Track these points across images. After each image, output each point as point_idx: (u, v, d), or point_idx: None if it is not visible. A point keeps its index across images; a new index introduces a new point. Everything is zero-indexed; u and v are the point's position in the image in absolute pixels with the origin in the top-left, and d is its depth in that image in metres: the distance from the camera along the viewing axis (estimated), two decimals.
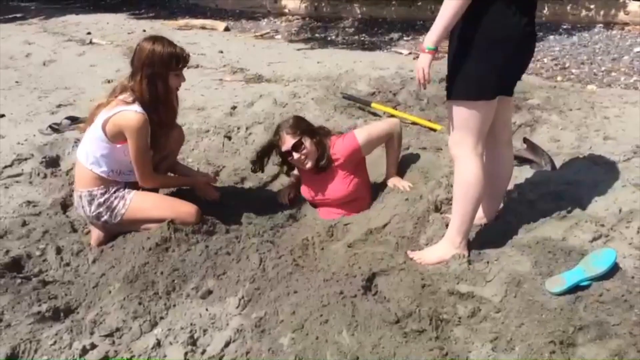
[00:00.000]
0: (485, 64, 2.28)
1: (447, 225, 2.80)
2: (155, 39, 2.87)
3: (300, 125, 3.25)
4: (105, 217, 2.92)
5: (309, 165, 3.21)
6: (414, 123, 4.37)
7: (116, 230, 2.97)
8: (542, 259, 2.44)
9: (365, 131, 3.36)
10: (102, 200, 2.91)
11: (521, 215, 2.83)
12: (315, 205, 3.45)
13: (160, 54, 2.82)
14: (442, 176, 3.27)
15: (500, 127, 2.58)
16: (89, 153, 2.89)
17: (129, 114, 2.78)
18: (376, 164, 3.55)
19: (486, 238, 2.69)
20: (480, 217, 2.78)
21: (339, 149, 3.25)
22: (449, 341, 2.12)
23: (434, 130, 4.15)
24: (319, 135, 3.28)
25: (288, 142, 3.18)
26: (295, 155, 3.18)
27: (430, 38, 2.28)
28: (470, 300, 2.30)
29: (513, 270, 2.40)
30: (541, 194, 3.00)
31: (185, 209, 2.92)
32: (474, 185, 2.43)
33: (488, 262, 2.49)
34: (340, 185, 3.26)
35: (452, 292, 2.35)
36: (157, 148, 3.00)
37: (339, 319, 2.17)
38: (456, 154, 2.47)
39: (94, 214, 2.91)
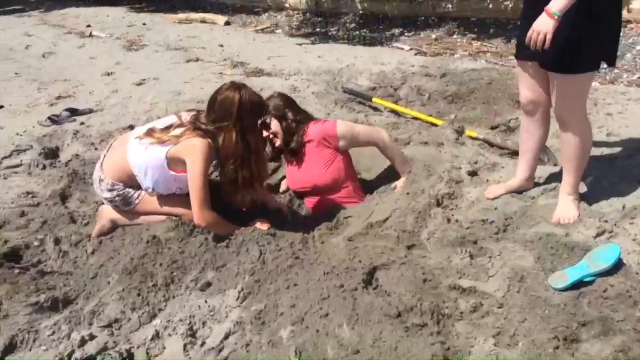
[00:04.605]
0: (605, 33, 2.42)
1: (448, 220, 2.80)
2: (239, 88, 2.77)
3: (275, 106, 3.33)
4: (118, 204, 2.93)
5: (277, 144, 3.31)
6: (415, 118, 4.35)
7: (122, 219, 2.95)
8: (545, 254, 2.42)
9: (347, 124, 3.36)
10: (121, 192, 2.90)
11: (523, 210, 2.81)
12: (301, 196, 3.47)
13: (249, 103, 2.74)
14: (444, 171, 3.25)
15: None
16: (144, 165, 2.81)
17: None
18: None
19: (488, 233, 2.67)
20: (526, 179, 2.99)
21: (315, 130, 3.28)
22: (450, 336, 2.10)
23: (435, 125, 4.12)
24: (288, 119, 3.32)
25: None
26: (265, 133, 3.20)
27: (558, 5, 2.29)
28: (472, 295, 2.28)
29: (516, 265, 2.38)
30: (543, 189, 2.98)
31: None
32: (589, 144, 2.70)
33: (490, 257, 2.47)
34: (318, 169, 3.28)
35: (454, 286, 2.33)
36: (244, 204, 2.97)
37: (339, 313, 2.14)
38: (571, 121, 2.62)
39: (109, 199, 2.92)
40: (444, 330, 2.11)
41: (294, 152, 3.32)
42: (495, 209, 2.87)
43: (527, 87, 2.78)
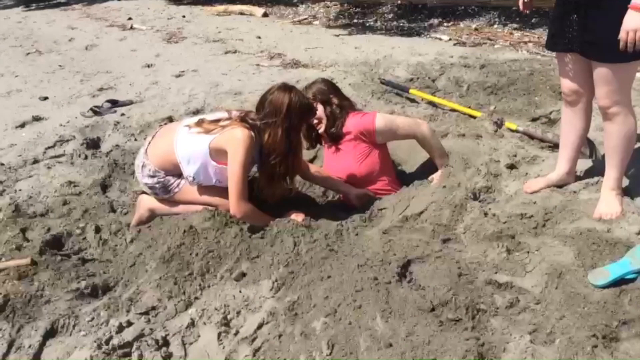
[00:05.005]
0: None
1: (485, 214, 2.74)
2: (289, 89, 2.87)
3: (320, 91, 3.32)
4: (157, 192, 2.98)
5: (320, 129, 3.31)
6: (453, 110, 4.28)
7: (160, 209, 3.00)
8: (585, 250, 2.36)
9: (386, 118, 3.33)
10: (162, 180, 2.95)
11: (564, 205, 2.74)
12: None
13: (298, 105, 2.84)
14: (482, 164, 3.20)
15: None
16: (189, 153, 2.85)
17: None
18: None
19: (526, 228, 2.61)
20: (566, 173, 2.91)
21: (353, 123, 3.26)
22: (485, 332, 2.06)
23: (474, 117, 4.05)
24: (333, 105, 3.30)
25: None
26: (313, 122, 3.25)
27: None
28: (509, 291, 2.24)
29: (555, 261, 2.32)
30: (585, 184, 2.90)
31: None
32: (634, 136, 2.59)
33: (528, 252, 2.42)
34: (352, 162, 3.27)
35: (490, 282, 2.29)
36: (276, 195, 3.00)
37: (373, 305, 2.14)
38: (617, 111, 2.54)
39: (149, 185, 2.97)
40: (478, 326, 2.08)
41: (335, 138, 3.31)
42: (535, 203, 2.80)
43: (568, 77, 2.70)
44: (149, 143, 3.02)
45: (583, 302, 2.10)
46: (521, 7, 2.79)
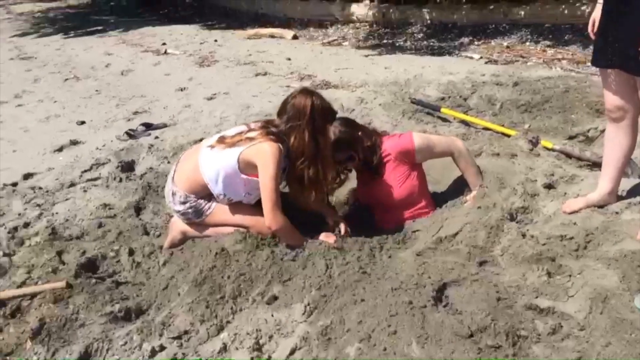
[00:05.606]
0: None
1: (523, 236, 2.67)
2: (311, 93, 2.89)
3: (345, 135, 3.17)
4: (190, 216, 2.99)
5: (359, 169, 3.33)
6: (486, 128, 4.21)
7: (192, 231, 3.01)
8: (630, 273, 2.26)
9: (423, 137, 3.29)
10: (193, 204, 2.96)
11: (606, 226, 2.64)
12: (371, 209, 3.42)
13: (320, 107, 2.85)
14: (518, 183, 3.12)
15: None
16: (216, 170, 2.85)
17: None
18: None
19: (567, 250, 2.53)
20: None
21: (391, 145, 3.22)
22: (527, 359, 1.98)
23: (508, 135, 3.97)
24: (365, 144, 3.20)
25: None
26: (349, 165, 3.26)
27: None
28: (551, 316, 2.15)
29: (598, 284, 2.23)
30: (628, 204, 2.79)
31: (263, 221, 2.86)
32: None
33: (570, 276, 2.33)
34: (392, 185, 3.22)
35: (530, 306, 2.21)
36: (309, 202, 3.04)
37: (408, 330, 2.08)
38: None
39: (181, 211, 2.98)
40: (519, 353, 2.00)
41: (378, 170, 3.24)
42: (575, 224, 2.71)
43: (612, 93, 2.62)
44: (174, 170, 3.04)
45: (630, 328, 2.00)
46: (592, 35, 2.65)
